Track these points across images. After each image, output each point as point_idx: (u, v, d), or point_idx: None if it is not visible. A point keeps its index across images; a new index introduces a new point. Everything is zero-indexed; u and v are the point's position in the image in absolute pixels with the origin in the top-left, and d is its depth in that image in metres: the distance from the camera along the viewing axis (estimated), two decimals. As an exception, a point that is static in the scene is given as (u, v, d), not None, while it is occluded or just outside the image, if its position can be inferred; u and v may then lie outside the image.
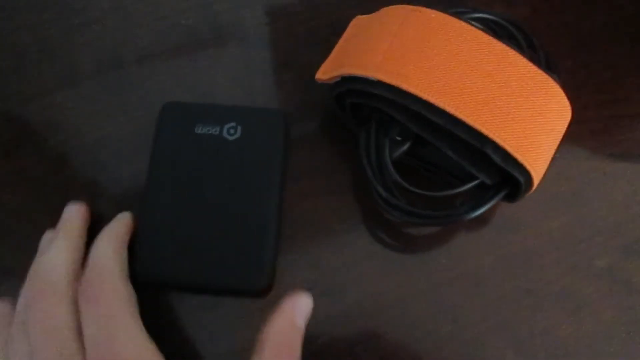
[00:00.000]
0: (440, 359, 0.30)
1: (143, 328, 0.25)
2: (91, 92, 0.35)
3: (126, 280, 0.26)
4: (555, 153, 0.29)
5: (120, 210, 0.30)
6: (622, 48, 0.37)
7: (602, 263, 0.32)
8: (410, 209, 0.29)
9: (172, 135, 0.31)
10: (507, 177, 0.28)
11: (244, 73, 0.36)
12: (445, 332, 0.30)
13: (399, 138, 0.30)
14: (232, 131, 0.31)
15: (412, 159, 0.31)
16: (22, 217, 0.32)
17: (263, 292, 0.29)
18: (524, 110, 0.27)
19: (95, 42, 0.37)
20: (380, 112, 0.29)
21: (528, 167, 0.27)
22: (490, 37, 0.27)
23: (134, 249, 0.29)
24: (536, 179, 0.28)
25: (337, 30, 0.33)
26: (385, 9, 0.30)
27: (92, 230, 0.30)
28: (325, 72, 0.30)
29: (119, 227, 0.29)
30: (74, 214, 0.29)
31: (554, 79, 0.28)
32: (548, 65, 0.31)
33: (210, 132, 0.31)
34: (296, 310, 0.26)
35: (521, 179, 0.27)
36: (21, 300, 0.27)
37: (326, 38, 0.34)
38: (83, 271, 0.26)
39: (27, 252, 0.29)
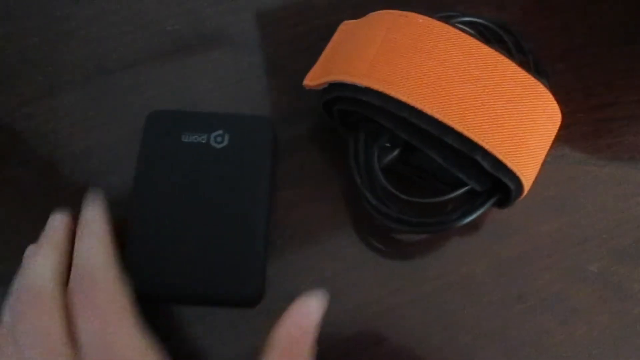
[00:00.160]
0: (433, 367, 0.29)
1: (142, 330, 0.24)
2: (76, 101, 0.35)
3: (119, 279, 0.25)
4: (546, 157, 0.29)
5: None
6: (613, 51, 0.37)
7: (594, 268, 0.31)
8: (400, 217, 0.29)
9: (159, 145, 0.31)
10: (498, 183, 0.28)
11: (231, 79, 0.35)
12: (438, 340, 0.30)
13: (388, 145, 0.29)
14: (219, 139, 0.31)
15: (402, 166, 0.31)
16: (8, 227, 0.32)
17: (253, 302, 0.29)
18: (513, 115, 0.26)
19: (79, 50, 0.36)
20: (368, 119, 0.29)
21: (518, 173, 0.26)
22: (479, 42, 0.27)
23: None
24: (527, 185, 0.27)
25: (325, 35, 0.32)
26: (372, 14, 0.30)
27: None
28: (313, 79, 0.30)
29: (97, 221, 0.27)
30: (58, 224, 0.29)
31: (543, 84, 0.27)
32: (537, 69, 0.31)
33: (197, 140, 0.31)
34: (305, 313, 0.25)
35: (511, 185, 0.27)
36: (7, 312, 0.26)
37: (314, 43, 0.34)
38: (70, 277, 0.25)
39: (13, 262, 0.28)
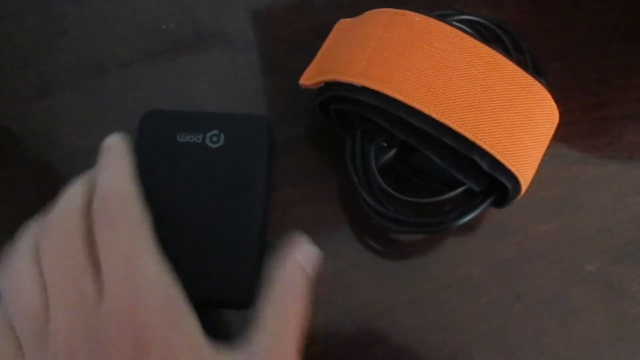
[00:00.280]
0: (430, 368, 0.29)
1: (163, 262, 0.23)
2: (72, 100, 0.34)
3: (142, 203, 0.24)
4: (543, 157, 0.29)
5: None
6: (610, 50, 0.37)
7: (592, 267, 0.31)
8: (398, 217, 0.29)
9: (153, 145, 0.30)
10: (495, 183, 0.28)
11: (227, 79, 0.35)
12: (436, 340, 0.30)
13: (384, 145, 0.29)
14: (215, 139, 0.30)
15: (400, 166, 0.31)
16: (3, 227, 0.31)
17: (243, 303, 0.29)
18: (510, 114, 0.26)
19: (75, 49, 0.36)
20: (365, 119, 0.29)
21: (515, 172, 0.26)
22: (476, 41, 0.27)
23: None
24: (524, 185, 0.27)
25: (321, 34, 0.32)
26: (368, 12, 0.30)
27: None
28: (309, 78, 0.30)
29: (121, 149, 0.27)
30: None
31: (541, 83, 0.27)
32: (535, 68, 0.31)
33: (192, 140, 0.30)
34: (303, 257, 0.25)
35: (509, 184, 0.27)
36: (33, 229, 0.25)
37: (310, 42, 0.34)
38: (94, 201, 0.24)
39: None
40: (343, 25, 0.31)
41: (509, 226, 0.32)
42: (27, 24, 0.36)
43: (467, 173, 0.28)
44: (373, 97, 0.27)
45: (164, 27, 0.36)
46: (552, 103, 0.28)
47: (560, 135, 0.30)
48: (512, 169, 0.26)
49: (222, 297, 0.28)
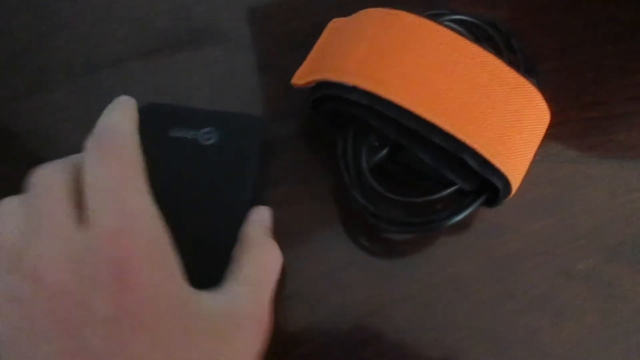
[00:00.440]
0: (422, 366, 0.29)
1: (152, 199, 0.23)
2: (66, 97, 0.34)
3: (138, 146, 0.24)
4: (535, 156, 0.29)
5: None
6: (604, 49, 0.36)
7: (584, 266, 0.31)
8: (389, 217, 0.29)
9: (145, 138, 0.30)
10: (486, 183, 0.28)
11: (221, 76, 0.35)
12: (427, 339, 0.30)
13: (376, 144, 0.29)
14: (207, 136, 0.30)
15: (392, 165, 0.31)
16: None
17: None
18: (501, 114, 0.26)
19: (69, 46, 0.36)
20: (357, 118, 0.29)
21: (505, 172, 0.26)
22: (467, 41, 0.27)
23: None
24: (514, 184, 0.27)
25: (316, 32, 0.32)
26: (361, 12, 0.30)
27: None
28: (301, 77, 0.30)
29: (123, 102, 0.27)
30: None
31: (532, 83, 0.27)
32: (527, 67, 0.30)
33: (185, 136, 0.30)
34: (264, 215, 0.28)
35: (499, 184, 0.27)
36: None
37: (306, 40, 0.34)
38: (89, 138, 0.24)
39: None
40: (335, 24, 0.31)
41: (501, 225, 0.32)
42: (21, 21, 0.37)
43: (458, 173, 0.28)
44: (364, 97, 0.27)
45: (158, 25, 0.36)
46: (543, 103, 0.28)
47: (554, 134, 0.30)
48: (502, 169, 0.26)
49: None
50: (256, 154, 0.30)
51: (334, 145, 0.31)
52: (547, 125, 0.28)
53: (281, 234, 0.31)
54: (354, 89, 0.27)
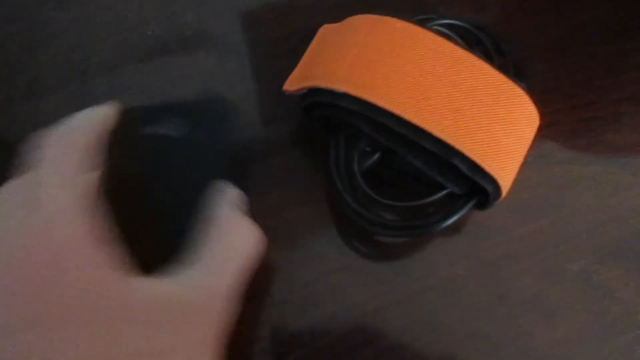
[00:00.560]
0: (416, 369, 0.30)
1: (92, 191, 0.23)
2: (58, 105, 0.35)
3: (86, 142, 0.25)
4: (525, 158, 0.29)
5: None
6: (593, 51, 0.37)
7: (576, 267, 0.32)
8: (382, 221, 0.29)
9: (118, 139, 0.30)
10: (477, 186, 0.28)
11: (213, 83, 0.35)
12: (421, 342, 0.30)
13: (368, 149, 0.29)
14: (180, 129, 0.30)
15: (384, 169, 0.31)
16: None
17: None
18: (490, 119, 0.26)
19: (61, 54, 0.36)
20: (348, 124, 0.29)
21: (495, 176, 0.27)
22: (456, 46, 0.27)
23: None
24: (504, 188, 0.28)
25: (307, 37, 0.32)
26: (351, 18, 0.30)
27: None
28: (292, 84, 0.30)
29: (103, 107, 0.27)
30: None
31: (521, 86, 0.27)
32: (517, 71, 0.31)
33: (156, 131, 0.30)
34: (233, 196, 0.27)
35: (489, 188, 0.27)
36: None
37: (296, 46, 0.34)
38: None
39: None
40: (326, 30, 0.32)
41: (493, 227, 0.32)
42: (13, 30, 0.37)
43: (448, 177, 0.28)
44: (354, 103, 0.27)
45: (149, 32, 0.36)
46: (532, 107, 0.28)
47: (544, 136, 0.31)
48: (492, 173, 0.26)
49: None
50: (229, 141, 0.30)
51: (327, 150, 0.31)
52: (536, 128, 0.29)
53: (275, 238, 0.31)
54: (345, 96, 0.27)
